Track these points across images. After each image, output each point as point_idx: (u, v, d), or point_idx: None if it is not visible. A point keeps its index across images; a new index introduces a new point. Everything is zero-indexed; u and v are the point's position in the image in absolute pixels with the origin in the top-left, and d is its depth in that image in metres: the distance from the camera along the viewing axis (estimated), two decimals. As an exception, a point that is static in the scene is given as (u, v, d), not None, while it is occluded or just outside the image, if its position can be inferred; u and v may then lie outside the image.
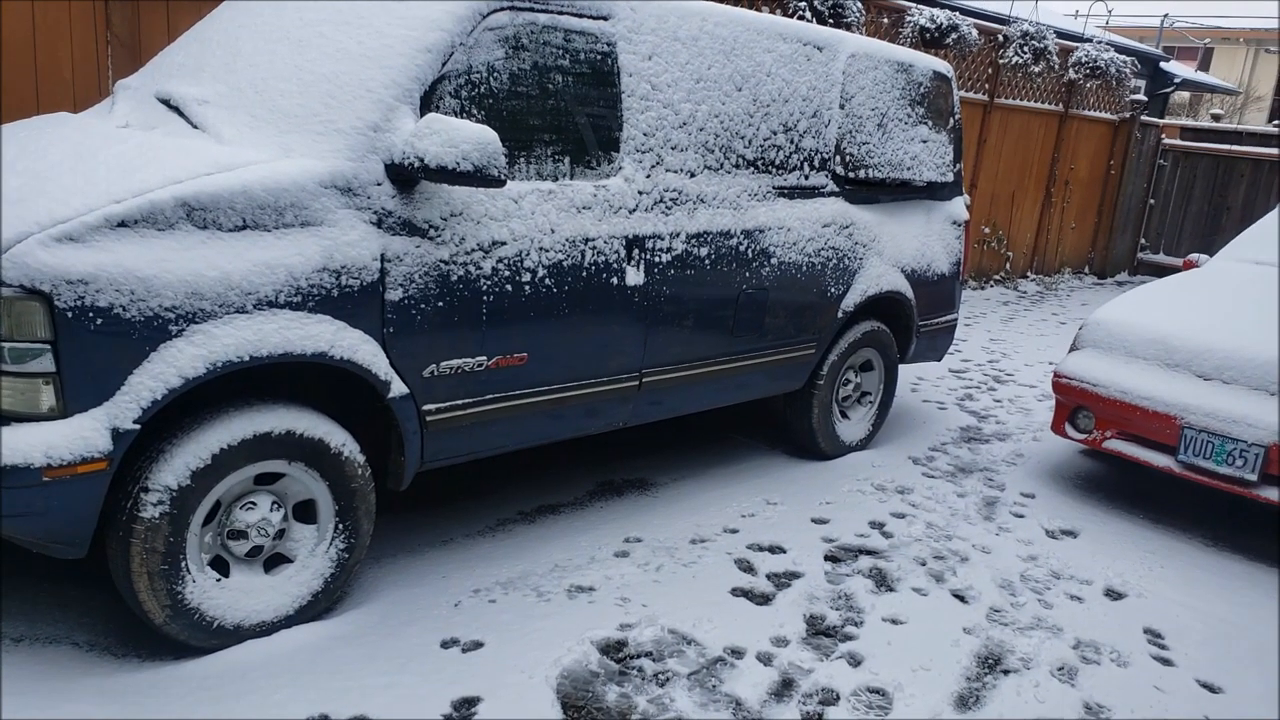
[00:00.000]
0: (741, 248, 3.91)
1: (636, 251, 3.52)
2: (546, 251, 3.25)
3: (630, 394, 3.71)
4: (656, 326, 3.67)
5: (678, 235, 3.66)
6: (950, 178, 5.13)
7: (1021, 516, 4.29)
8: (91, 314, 2.35)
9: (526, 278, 3.21)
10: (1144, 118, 11.69)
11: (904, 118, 4.73)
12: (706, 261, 3.78)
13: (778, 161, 4.08)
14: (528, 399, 3.35)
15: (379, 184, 2.88)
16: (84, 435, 2.38)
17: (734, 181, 3.89)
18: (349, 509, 2.96)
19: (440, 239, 3.00)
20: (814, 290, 4.31)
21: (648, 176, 3.56)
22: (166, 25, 4.99)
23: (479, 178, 2.86)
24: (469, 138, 2.82)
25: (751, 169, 3.97)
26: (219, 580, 2.75)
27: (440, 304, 3.01)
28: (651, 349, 3.70)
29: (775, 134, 4.04)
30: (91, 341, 2.36)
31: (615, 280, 3.47)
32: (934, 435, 5.32)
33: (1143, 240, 12.36)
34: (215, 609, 2.71)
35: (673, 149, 3.64)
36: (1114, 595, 3.63)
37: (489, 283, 3.12)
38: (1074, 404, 4.51)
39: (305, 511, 2.93)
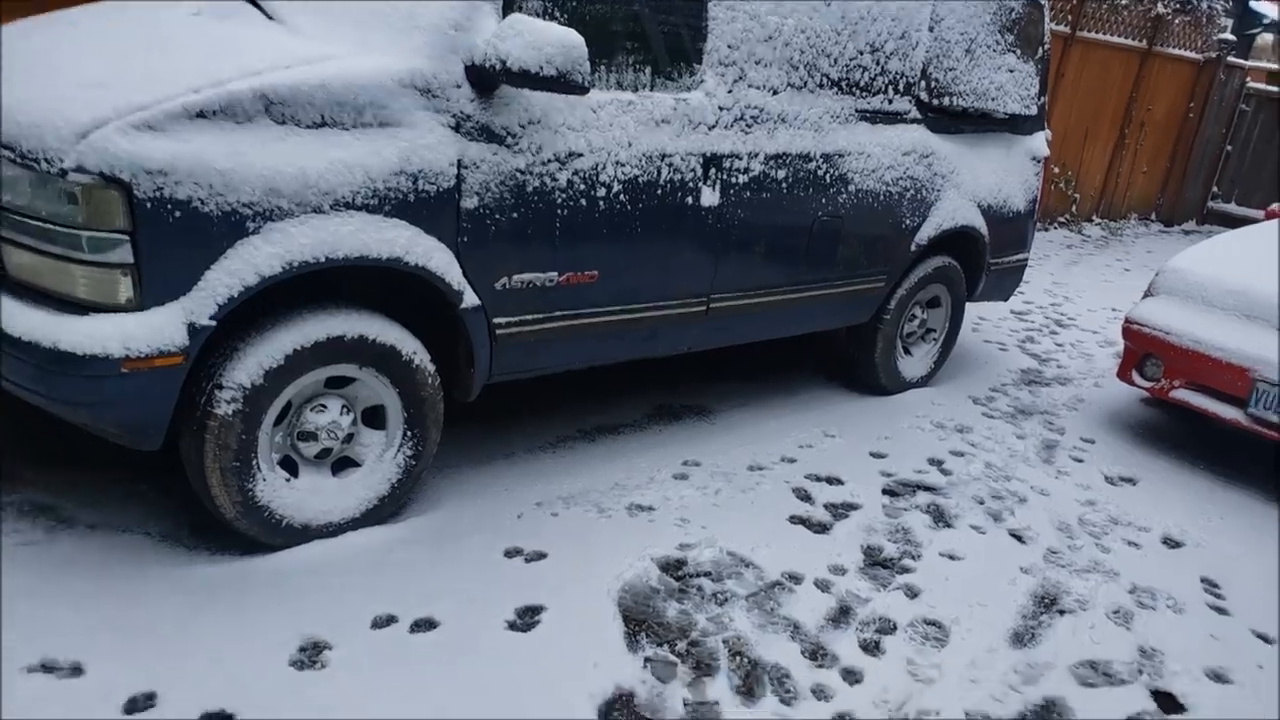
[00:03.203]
0: (820, 172, 3.79)
1: (714, 171, 3.42)
2: (623, 166, 3.17)
3: (697, 319, 3.65)
4: (728, 251, 3.59)
5: (756, 156, 3.55)
6: (1034, 111, 4.93)
7: (1081, 461, 4.21)
8: (170, 206, 2.32)
9: (601, 193, 3.14)
10: (1230, 59, 11.16)
11: (993, 44, 4.52)
12: (784, 185, 3.68)
13: (862, 83, 3.93)
14: (596, 318, 3.30)
15: (458, 86, 2.80)
16: (161, 329, 2.37)
17: (816, 102, 3.76)
18: (417, 417, 2.96)
19: (517, 147, 2.92)
20: (889, 221, 4.19)
21: (729, 92, 3.44)
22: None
23: (562, 83, 2.77)
24: (553, 40, 2.72)
25: (835, 89, 3.82)
26: (288, 480, 2.77)
27: (515, 215, 2.95)
28: (721, 274, 3.62)
29: (861, 54, 3.88)
30: (170, 234, 2.34)
31: (690, 200, 3.39)
32: (994, 376, 5.22)
33: (1215, 189, 11.93)
34: (284, 508, 2.74)
35: (757, 64, 3.50)
36: (1172, 544, 3.58)
37: (564, 196, 3.05)
38: (1143, 351, 4.39)
39: (374, 417, 2.94)
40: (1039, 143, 5.06)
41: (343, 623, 2.50)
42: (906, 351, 4.76)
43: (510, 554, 2.92)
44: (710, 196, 3.44)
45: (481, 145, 2.85)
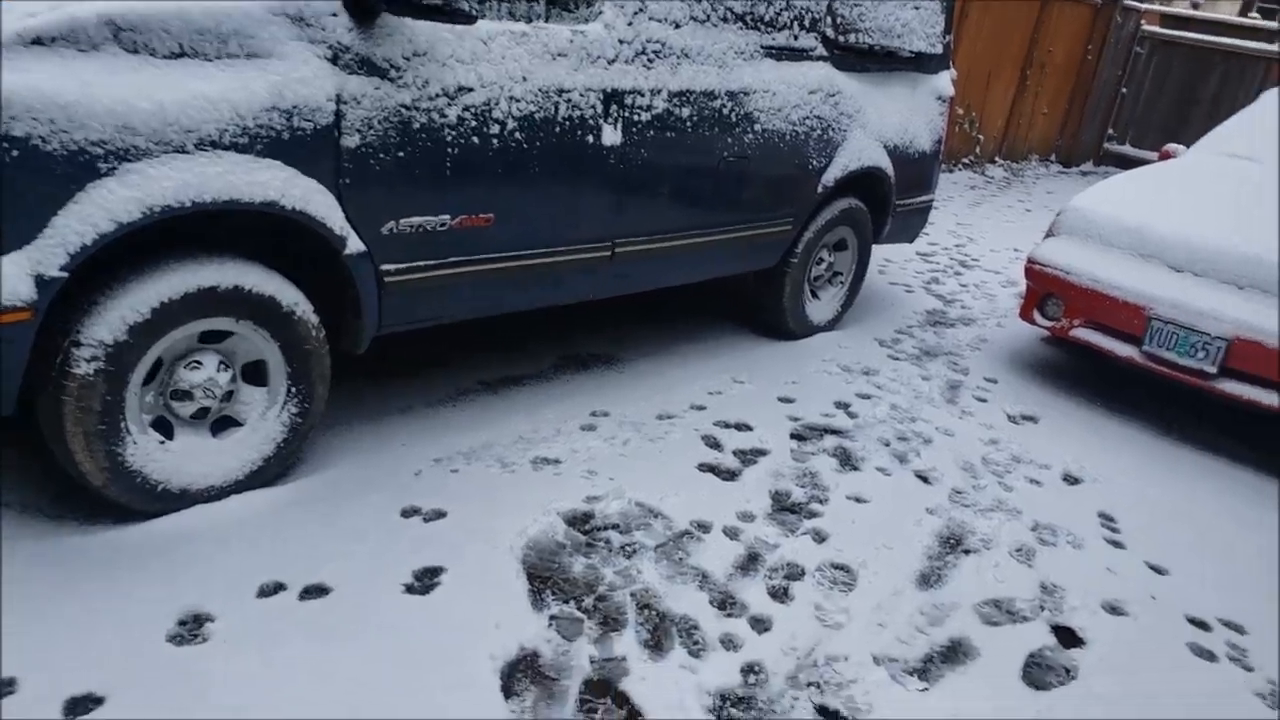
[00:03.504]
0: (725, 110, 3.68)
1: (615, 108, 3.28)
2: (517, 102, 3.01)
3: (601, 264, 3.53)
4: (632, 193, 3.47)
5: (659, 92, 3.41)
6: (939, 49, 4.89)
7: (984, 401, 4.26)
8: (5, 144, 2.08)
9: (495, 130, 2.97)
10: (1126, 2, 11.37)
11: (898, -20, 4.44)
12: (688, 123, 3.55)
13: (767, 18, 3.81)
14: (493, 264, 3.15)
15: (335, 15, 2.59)
16: (3, 281, 2.15)
17: (721, 37, 3.63)
18: (302, 371, 2.79)
19: (402, 81, 2.74)
20: (795, 162, 4.11)
21: (629, 24, 3.29)
22: None
23: (446, 11, 2.60)
24: (435, -36, 2.54)
25: (740, 24, 3.70)
26: (163, 443, 2.58)
27: (401, 154, 2.77)
28: (625, 217, 3.50)
29: (766, -13, 3.76)
30: (7, 177, 2.11)
31: (591, 138, 3.24)
32: (900, 318, 5.24)
33: (1111, 130, 12.22)
34: (159, 472, 2.55)
35: (657, -4, 3.36)
36: (1071, 480, 3.64)
37: (454, 134, 2.88)
38: (1045, 291, 4.44)
39: (256, 373, 2.76)
40: (944, 82, 5.04)
41: (226, 593, 2.35)
42: (814, 295, 4.73)
43: (408, 513, 2.79)
44: (612, 135, 3.30)
45: (362, 79, 2.66)
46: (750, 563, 2.80)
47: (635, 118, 3.36)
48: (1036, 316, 4.48)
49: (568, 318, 4.36)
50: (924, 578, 2.87)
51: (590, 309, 4.07)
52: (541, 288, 3.40)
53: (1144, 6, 11.75)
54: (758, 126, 3.84)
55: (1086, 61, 11.48)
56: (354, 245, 2.76)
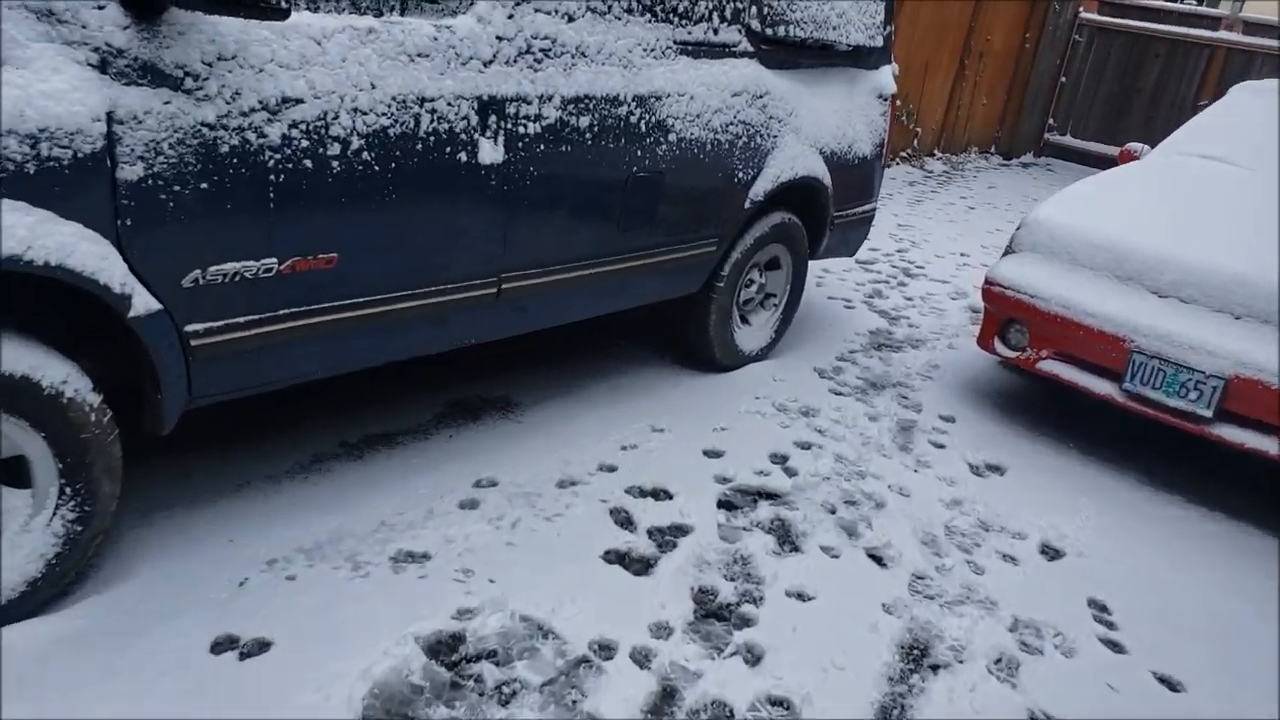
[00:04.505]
0: (633, 118, 3.08)
1: (494, 119, 2.67)
2: (364, 115, 2.38)
3: (486, 303, 2.92)
4: (520, 219, 2.86)
5: (550, 99, 2.81)
6: (879, 42, 4.35)
7: (942, 447, 3.73)
8: None
9: (335, 150, 2.34)
10: (1064, -12, 11.01)
11: (834, -37, 3.88)
12: (587, 135, 2.95)
13: (682, 9, 3.21)
14: (340, 313, 2.53)
15: (101, 7, 1.95)
16: None
17: (625, 31, 3.03)
18: (79, 466, 2.15)
19: (203, 93, 2.10)
20: (719, 174, 3.54)
21: (510, 17, 2.68)
22: None
23: (247, 3, 1.96)
24: (230, -59, 1.91)
25: (649, 16, 3.10)
26: None
27: (205, 186, 2.14)
28: (513, 247, 2.90)
29: (679, -29, 3.17)
30: None
31: (464, 156, 2.63)
32: (841, 341, 4.71)
33: (1051, 121, 11.89)
34: None
35: (544, -20, 2.75)
36: (1050, 553, 3.11)
37: (278, 157, 2.25)
38: (1006, 316, 3.92)
39: (15, 472, 2.11)
40: (885, 78, 4.50)
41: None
42: (744, 320, 4.17)
43: (220, 646, 2.17)
44: (491, 152, 2.69)
45: (145, 91, 2.02)
46: (665, 702, 2.22)
47: (521, 130, 2.75)
48: (997, 345, 3.96)
49: (457, 353, 3.74)
50: (884, 711, 2.31)
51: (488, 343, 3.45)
52: (407, 336, 2.79)
53: (1082, -7, 11.41)
54: (672, 136, 3.25)
55: (1025, 50, 11.10)
56: (143, 304, 2.12)
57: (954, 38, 9.92)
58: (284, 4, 1.99)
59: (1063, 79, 11.62)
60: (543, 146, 2.83)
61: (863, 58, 4.31)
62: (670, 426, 3.53)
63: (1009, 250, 4.06)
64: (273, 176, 2.25)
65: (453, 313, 2.85)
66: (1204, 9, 11.52)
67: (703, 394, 3.85)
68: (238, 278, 2.28)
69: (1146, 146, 5.06)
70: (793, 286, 4.29)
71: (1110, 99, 11.33)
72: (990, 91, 10.99)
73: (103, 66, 1.96)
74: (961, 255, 6.73)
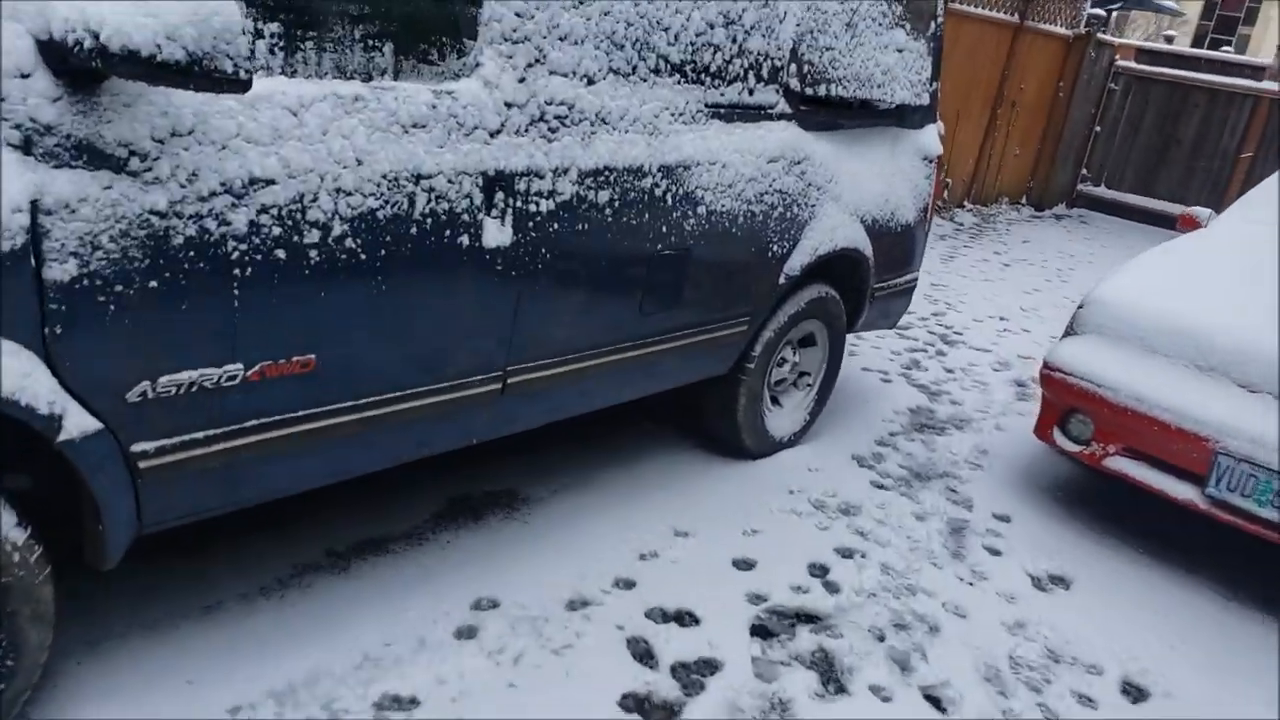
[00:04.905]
0: (658, 191, 2.75)
1: (501, 196, 2.34)
2: (348, 196, 2.05)
3: (489, 399, 2.57)
4: (529, 306, 2.52)
5: (565, 172, 2.47)
6: (925, 100, 4.02)
7: (998, 554, 3.33)
8: None
9: (313, 238, 2.01)
10: (1100, 35, 10.71)
11: (878, 15, 3.56)
12: (607, 211, 2.62)
13: (714, 68, 2.89)
14: (320, 421, 2.19)
15: (25, 75, 1.63)
16: None
17: (652, 94, 2.70)
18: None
19: (152, 175, 1.77)
20: (751, 249, 3.19)
21: (521, 80, 2.35)
22: None
23: (200, 73, 1.64)
24: (183, 5, 1.59)
25: (678, 77, 2.77)
26: None
27: (154, 284, 1.81)
28: (521, 337, 2.55)
29: (712, 27, 2.84)
30: None
31: (465, 240, 2.29)
32: (880, 422, 4.33)
33: (1084, 171, 11.54)
34: None
35: (561, 39, 2.41)
36: (1133, 692, 2.70)
37: (245, 247, 1.91)
38: (1067, 405, 3.53)
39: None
40: (930, 138, 4.16)
41: None
42: (775, 403, 3.80)
43: (157, 839, 1.81)
44: (497, 234, 2.36)
45: (80, 174, 1.69)
46: None
47: (532, 208, 2.41)
48: (1057, 437, 3.56)
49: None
50: None
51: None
52: (397, 441, 2.44)
53: (1119, 41, 11.10)
54: (701, 209, 2.91)
55: (1059, 99, 10.78)
56: (77, 425, 1.78)
57: (986, 86, 9.61)
58: (244, 74, 1.66)
59: (1097, 129, 11.30)
60: (556, 226, 2.49)
61: (907, 116, 3.97)
62: (694, 529, 3.15)
63: (1070, 331, 3.67)
64: (237, 270, 1.92)
65: (451, 412, 2.50)
66: (1247, 58, 11.17)
67: (731, 487, 3.48)
68: (195, 388, 1.93)
69: (1211, 211, 4.69)
70: (829, 365, 3.92)
71: (1147, 150, 11.00)
72: (1023, 141, 10.66)
73: (26, 146, 1.63)
74: (1001, 320, 6.35)
